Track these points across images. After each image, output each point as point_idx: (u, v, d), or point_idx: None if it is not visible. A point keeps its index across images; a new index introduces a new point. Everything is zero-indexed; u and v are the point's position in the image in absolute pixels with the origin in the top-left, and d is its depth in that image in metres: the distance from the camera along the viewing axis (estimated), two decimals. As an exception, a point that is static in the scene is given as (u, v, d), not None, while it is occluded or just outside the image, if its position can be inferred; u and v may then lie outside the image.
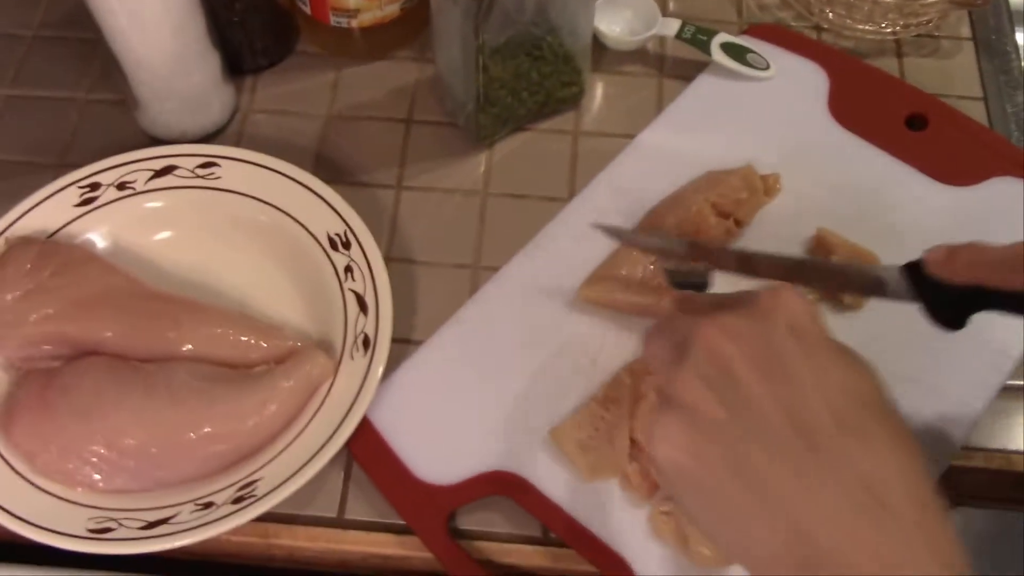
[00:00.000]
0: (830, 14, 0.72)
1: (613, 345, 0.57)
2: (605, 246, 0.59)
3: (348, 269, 0.58)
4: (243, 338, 0.56)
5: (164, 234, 0.62)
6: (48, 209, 0.60)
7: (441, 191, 0.65)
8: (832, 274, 0.54)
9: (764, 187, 0.62)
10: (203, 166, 0.61)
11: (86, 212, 0.60)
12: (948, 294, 0.47)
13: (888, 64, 0.71)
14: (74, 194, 0.60)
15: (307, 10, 0.69)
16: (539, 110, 0.67)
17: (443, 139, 0.67)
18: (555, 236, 0.62)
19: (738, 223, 0.61)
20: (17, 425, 0.52)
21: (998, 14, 0.74)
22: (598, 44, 0.70)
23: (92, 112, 0.70)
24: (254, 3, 0.67)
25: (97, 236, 0.60)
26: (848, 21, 0.72)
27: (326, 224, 0.59)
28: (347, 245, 0.58)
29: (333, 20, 0.68)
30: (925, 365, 0.56)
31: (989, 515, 0.71)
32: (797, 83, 0.68)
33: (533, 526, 0.53)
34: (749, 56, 0.68)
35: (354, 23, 0.68)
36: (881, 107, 0.66)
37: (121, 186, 0.61)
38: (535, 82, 0.64)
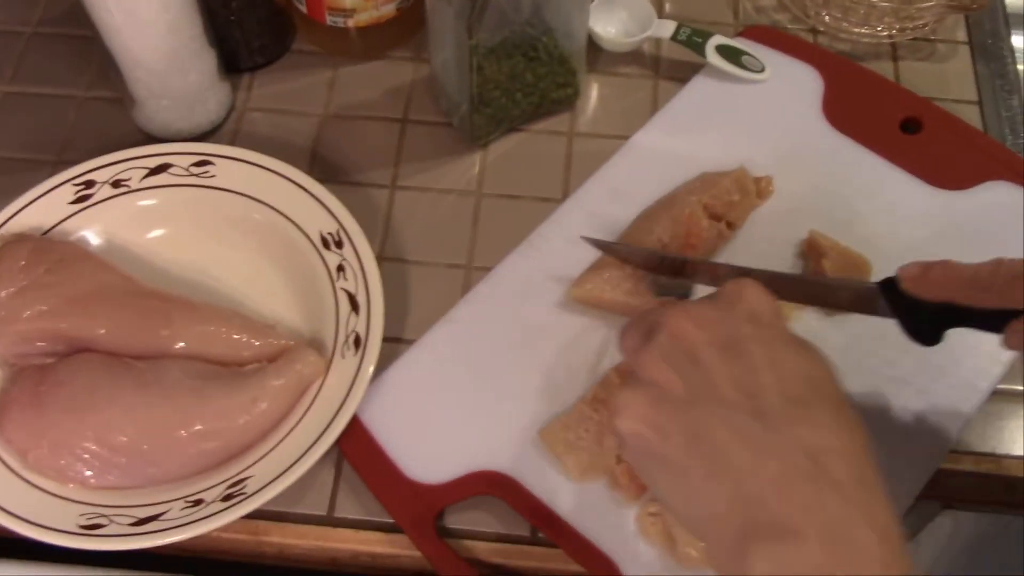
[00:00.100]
0: (826, 17, 0.72)
1: (603, 346, 0.57)
2: (597, 247, 0.60)
3: (340, 268, 0.58)
4: (235, 336, 0.56)
5: (158, 232, 0.62)
6: (43, 206, 0.60)
7: (435, 191, 0.65)
8: (812, 288, 0.54)
9: (757, 189, 0.62)
10: (197, 164, 0.62)
11: (81, 209, 0.60)
12: (923, 310, 0.47)
13: (883, 67, 0.71)
14: (69, 191, 0.61)
15: (303, 9, 0.69)
16: (534, 111, 0.67)
17: (438, 139, 0.68)
18: (548, 236, 0.62)
19: (730, 225, 0.61)
20: (9, 421, 0.53)
21: (994, 18, 0.74)
22: (593, 45, 0.70)
23: (90, 109, 0.70)
24: (250, 2, 0.67)
25: (91, 233, 0.61)
26: (844, 24, 0.72)
27: (319, 223, 0.59)
28: (339, 244, 0.58)
29: (329, 20, 0.68)
30: (915, 367, 0.56)
31: (979, 518, 0.71)
32: (792, 85, 0.68)
33: (522, 526, 0.53)
34: (744, 58, 0.68)
35: (350, 22, 0.68)
36: (876, 110, 0.66)
37: (116, 184, 0.61)
38: (530, 83, 0.64)
